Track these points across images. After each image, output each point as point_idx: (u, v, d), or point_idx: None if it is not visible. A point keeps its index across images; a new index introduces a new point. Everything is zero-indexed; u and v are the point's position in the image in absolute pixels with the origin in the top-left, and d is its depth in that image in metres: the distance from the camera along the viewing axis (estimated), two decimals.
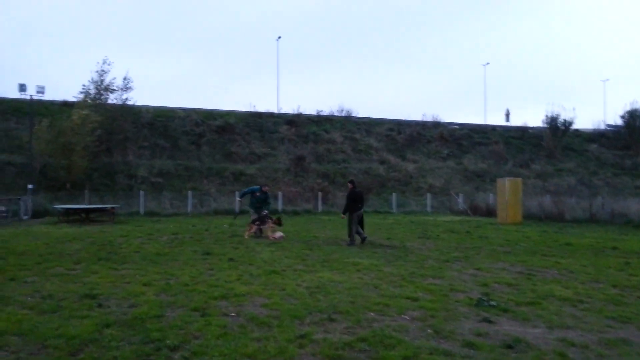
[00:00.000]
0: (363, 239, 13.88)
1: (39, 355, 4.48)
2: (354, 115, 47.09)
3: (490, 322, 5.91)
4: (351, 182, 14.83)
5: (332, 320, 5.82)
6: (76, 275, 8.54)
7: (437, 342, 5.13)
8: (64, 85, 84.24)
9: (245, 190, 17.04)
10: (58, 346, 4.69)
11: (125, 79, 34.60)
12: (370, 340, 5.05)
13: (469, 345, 5.02)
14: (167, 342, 4.83)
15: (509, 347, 5.00)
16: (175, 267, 9.41)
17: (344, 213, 14.38)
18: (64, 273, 8.71)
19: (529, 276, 9.07)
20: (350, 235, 13.96)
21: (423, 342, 5.09)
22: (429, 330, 5.49)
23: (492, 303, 6.72)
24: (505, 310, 6.43)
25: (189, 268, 9.34)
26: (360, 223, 14.24)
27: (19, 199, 24.23)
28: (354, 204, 14.14)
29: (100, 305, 6.30)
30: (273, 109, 45.63)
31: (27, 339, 4.93)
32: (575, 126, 47.40)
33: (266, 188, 16.64)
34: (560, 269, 9.88)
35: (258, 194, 16.14)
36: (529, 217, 25.23)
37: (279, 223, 15.54)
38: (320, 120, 44.58)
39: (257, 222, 15.33)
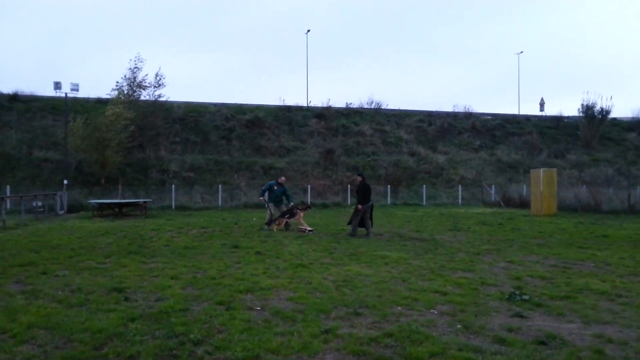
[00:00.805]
0: (368, 232, 13.97)
1: (64, 349, 4.49)
2: (383, 107, 46.69)
3: (522, 317, 5.70)
4: (361, 174, 15.00)
5: (358, 314, 5.71)
6: (106, 268, 8.64)
7: (467, 337, 4.96)
8: (100, 82, 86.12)
9: (264, 187, 16.71)
10: (83, 340, 4.70)
11: (157, 75, 34.97)
12: (397, 336, 4.91)
13: (500, 341, 4.84)
14: (191, 336, 4.80)
15: (542, 343, 4.79)
16: (203, 261, 9.44)
17: (360, 204, 14.19)
18: (95, 267, 8.83)
19: (564, 269, 8.78)
20: (352, 224, 14.16)
21: (452, 337, 4.93)
22: (458, 326, 5.32)
23: (525, 297, 6.49)
24: (538, 305, 6.20)
25: (216, 261, 9.36)
26: (370, 215, 14.25)
27: (55, 194, 24.82)
28: (366, 194, 14.14)
29: (127, 299, 6.33)
30: (302, 102, 45.67)
31: (54, 332, 4.96)
32: (612, 115, 45.85)
33: (282, 179, 16.48)
34: (596, 262, 9.54)
35: (276, 187, 16.01)
36: (564, 208, 24.59)
37: (307, 207, 15.81)
38: (349, 113, 44.32)
39: (287, 216, 15.31)
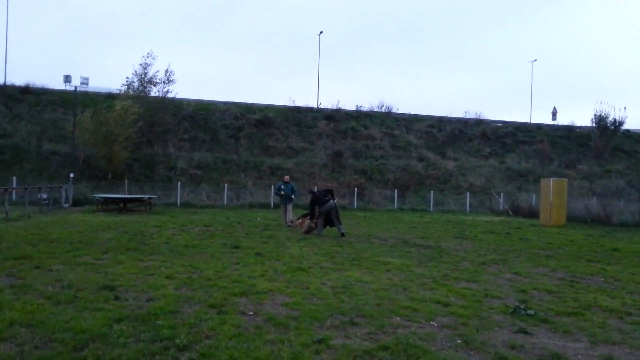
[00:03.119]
0: (341, 233, 14.48)
1: (43, 350, 4.28)
2: (393, 111, 46.41)
3: (526, 333, 5.43)
4: (311, 192, 16.07)
5: (354, 324, 5.46)
6: (101, 265, 8.46)
7: (467, 354, 4.70)
8: (111, 78, 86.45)
9: (276, 188, 18.64)
10: (64, 340, 4.49)
11: (167, 71, 34.95)
12: (392, 349, 4.66)
13: (502, 359, 4.58)
14: (177, 341, 4.57)
15: None
16: (201, 260, 9.24)
17: (312, 218, 15.05)
18: (90, 262, 8.65)
19: (572, 283, 8.48)
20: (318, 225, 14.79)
21: (451, 353, 4.67)
22: (458, 340, 5.06)
23: (530, 312, 6.22)
24: (543, 321, 5.92)
25: (214, 261, 9.16)
26: (337, 216, 14.78)
27: (61, 187, 24.77)
28: (319, 203, 14.75)
29: (117, 298, 6.12)
30: (312, 103, 45.47)
31: (35, 330, 4.77)
32: (625, 126, 45.25)
33: (286, 178, 18.33)
34: (606, 277, 9.22)
35: (283, 186, 17.70)
36: (574, 219, 24.16)
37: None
38: (359, 116, 44.06)
39: (308, 217, 15.61)
